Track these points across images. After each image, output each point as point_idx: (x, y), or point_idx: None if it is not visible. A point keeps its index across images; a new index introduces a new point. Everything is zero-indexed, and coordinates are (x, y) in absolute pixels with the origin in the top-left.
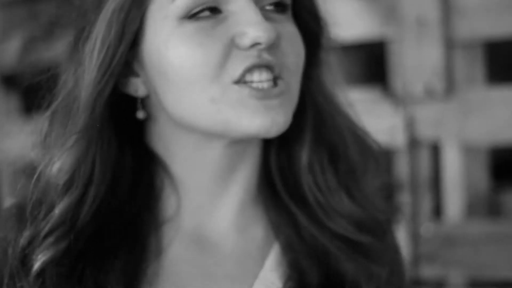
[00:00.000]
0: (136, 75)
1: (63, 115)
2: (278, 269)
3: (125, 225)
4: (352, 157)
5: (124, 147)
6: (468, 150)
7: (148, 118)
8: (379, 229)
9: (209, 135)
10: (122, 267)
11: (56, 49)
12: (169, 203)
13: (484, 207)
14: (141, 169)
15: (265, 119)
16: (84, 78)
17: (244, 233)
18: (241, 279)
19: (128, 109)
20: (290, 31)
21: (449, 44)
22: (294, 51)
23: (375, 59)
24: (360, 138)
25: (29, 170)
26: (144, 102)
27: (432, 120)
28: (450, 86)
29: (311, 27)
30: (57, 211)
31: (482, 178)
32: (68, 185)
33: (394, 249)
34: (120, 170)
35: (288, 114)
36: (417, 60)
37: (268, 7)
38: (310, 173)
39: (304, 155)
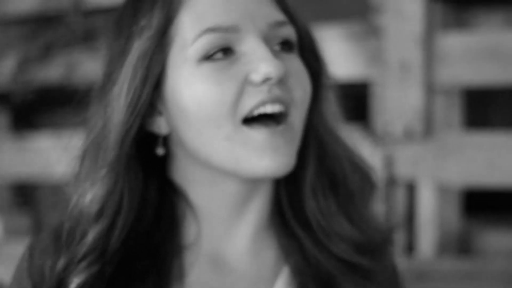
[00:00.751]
0: (160, 114)
1: (94, 152)
2: (291, 286)
3: (150, 251)
4: (350, 184)
5: (149, 179)
6: (442, 191)
7: (169, 153)
8: (377, 250)
9: (223, 172)
10: None
11: (51, 70)
12: (190, 231)
13: (455, 244)
14: (164, 199)
15: (272, 160)
16: (113, 118)
17: (257, 257)
18: None
19: (153, 145)
20: (297, 68)
21: (430, 89)
22: (301, 87)
23: (354, 99)
24: (357, 166)
25: (62, 201)
26: (166, 139)
27: (409, 160)
28: (428, 129)
29: (313, 65)
30: (89, 237)
31: (454, 217)
32: (99, 214)
33: (392, 269)
34: (145, 200)
35: (292, 154)
36: (398, 102)
37: (276, 48)
38: (314, 198)
39: (308, 182)
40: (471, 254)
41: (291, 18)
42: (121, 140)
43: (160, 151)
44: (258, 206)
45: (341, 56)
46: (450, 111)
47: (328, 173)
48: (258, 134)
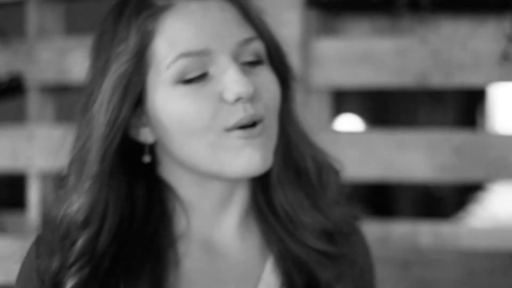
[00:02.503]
0: (145, 125)
1: (78, 165)
2: (276, 271)
3: (145, 243)
4: (315, 176)
5: (137, 180)
6: None
7: (157, 157)
8: (344, 233)
9: (207, 175)
10: (148, 278)
11: None
12: (180, 222)
13: None
14: (153, 196)
15: (251, 158)
16: (94, 134)
17: (245, 242)
18: (247, 281)
19: (141, 151)
20: (266, 79)
21: (305, 90)
22: (271, 96)
23: None
24: (319, 162)
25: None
26: (153, 146)
27: None
28: None
29: (280, 72)
30: (78, 244)
31: None
32: (86, 223)
33: (362, 246)
34: (133, 201)
35: (269, 153)
36: None
37: (247, 61)
38: (281, 190)
39: (275, 175)
40: None
41: (260, 32)
42: (102, 154)
43: (146, 159)
44: (240, 199)
45: None
46: (322, 111)
47: (294, 167)
48: (237, 138)
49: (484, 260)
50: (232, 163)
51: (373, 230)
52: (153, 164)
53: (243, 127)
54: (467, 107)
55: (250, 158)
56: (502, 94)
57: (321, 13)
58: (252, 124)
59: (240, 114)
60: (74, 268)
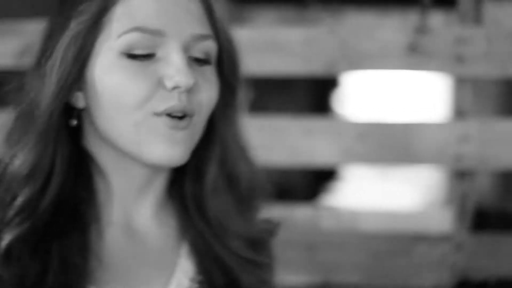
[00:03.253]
0: (79, 89)
1: (25, 118)
2: (190, 258)
3: (72, 211)
4: (244, 187)
5: (75, 144)
6: None
7: (84, 126)
8: (265, 243)
9: (126, 154)
10: (76, 244)
11: None
12: (103, 202)
13: None
14: (83, 165)
15: (168, 149)
16: (45, 90)
17: (162, 228)
18: (164, 266)
19: (70, 115)
20: (207, 79)
21: None
22: (207, 96)
23: None
24: (251, 173)
25: None
26: (82, 112)
27: None
28: None
29: (228, 77)
30: (20, 199)
31: None
32: (29, 177)
33: (270, 256)
34: (69, 165)
35: (187, 150)
36: None
37: (194, 57)
38: (215, 197)
39: (210, 183)
40: None
41: (217, 34)
42: (51, 110)
43: (73, 122)
44: (158, 187)
45: None
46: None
47: (227, 175)
48: (163, 124)
49: (384, 243)
50: (150, 148)
51: (275, 213)
52: (78, 132)
53: (172, 116)
54: (318, 94)
55: (168, 148)
56: (354, 82)
57: (228, 2)
58: (181, 117)
59: (173, 102)
60: (14, 222)
